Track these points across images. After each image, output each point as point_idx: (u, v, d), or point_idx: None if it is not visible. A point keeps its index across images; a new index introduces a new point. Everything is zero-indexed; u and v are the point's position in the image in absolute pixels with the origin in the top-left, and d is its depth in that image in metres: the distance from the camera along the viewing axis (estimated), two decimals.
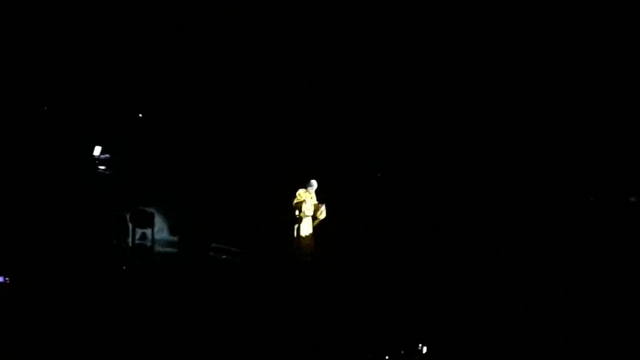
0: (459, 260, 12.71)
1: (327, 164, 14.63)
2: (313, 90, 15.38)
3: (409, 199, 14.63)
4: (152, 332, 9.56)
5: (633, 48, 13.90)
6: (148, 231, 14.21)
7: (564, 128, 14.24)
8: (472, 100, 14.80)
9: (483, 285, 11.53)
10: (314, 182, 13.57)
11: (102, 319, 9.83)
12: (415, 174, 14.86)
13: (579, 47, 14.17)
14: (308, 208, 13.46)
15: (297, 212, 13.49)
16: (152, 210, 14.44)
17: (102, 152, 15.31)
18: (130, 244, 14.04)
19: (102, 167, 15.22)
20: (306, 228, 13.51)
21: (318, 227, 13.48)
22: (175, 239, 14.78)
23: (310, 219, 13.52)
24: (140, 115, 15.74)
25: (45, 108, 15.02)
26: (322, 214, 13.47)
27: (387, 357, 9.25)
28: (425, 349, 9.20)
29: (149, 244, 14.20)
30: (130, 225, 14.10)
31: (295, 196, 13.49)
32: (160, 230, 14.64)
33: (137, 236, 14.13)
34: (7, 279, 10.99)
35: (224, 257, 14.13)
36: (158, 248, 14.27)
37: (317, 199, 13.56)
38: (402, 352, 9.26)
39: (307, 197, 13.46)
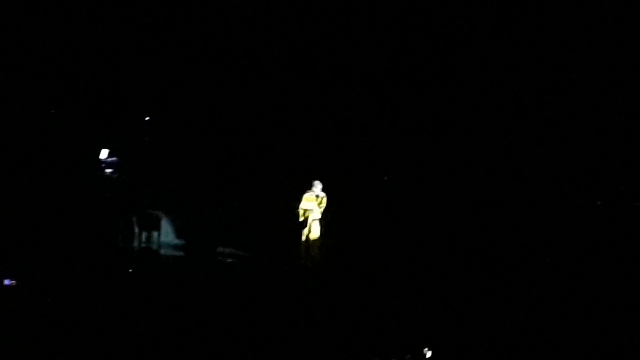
0: (466, 265, 12.69)
1: (331, 167, 14.63)
2: (317, 95, 15.39)
3: (415, 203, 14.62)
4: (158, 336, 9.56)
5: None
6: (154, 234, 14.23)
7: (568, 134, 14.21)
8: (477, 105, 14.78)
9: (488, 290, 11.50)
10: (317, 183, 13.54)
11: (108, 322, 9.84)
12: (421, 178, 14.84)
13: (586, 51, 14.14)
14: (315, 211, 13.46)
15: (304, 216, 13.49)
16: (158, 213, 14.47)
17: (108, 155, 15.35)
18: (136, 247, 14.08)
19: (109, 170, 15.26)
20: (314, 232, 13.49)
21: (324, 229, 13.48)
22: (181, 242, 14.79)
23: (317, 222, 13.51)
24: (147, 118, 15.78)
25: (53, 111, 15.07)
26: (323, 202, 13.46)
27: None
28: (429, 354, 9.19)
29: (155, 247, 14.24)
30: (136, 228, 14.13)
31: (301, 200, 13.49)
32: (166, 233, 14.66)
33: (143, 239, 14.16)
34: (13, 281, 11.02)
35: (229, 261, 14.13)
36: (164, 251, 14.29)
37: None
38: (408, 356, 9.25)
39: (313, 201, 13.45)
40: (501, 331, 9.90)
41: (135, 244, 14.09)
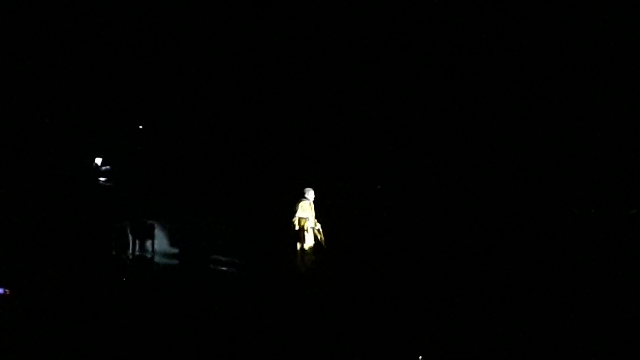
0: (460, 274, 12.71)
1: (325, 175, 14.66)
2: (310, 104, 15.45)
3: (409, 211, 14.65)
4: (152, 344, 9.55)
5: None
6: (148, 243, 14.23)
7: (566, 140, 14.28)
8: (475, 111, 14.84)
9: (481, 301, 11.52)
10: (310, 190, 13.50)
11: (103, 330, 9.83)
12: (415, 185, 14.88)
13: (586, 54, 14.20)
14: (310, 219, 13.45)
15: (298, 224, 13.46)
16: (152, 221, 14.46)
17: (103, 164, 15.36)
18: (130, 256, 14.07)
19: (103, 179, 15.27)
20: (310, 240, 13.47)
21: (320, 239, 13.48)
22: (175, 250, 14.79)
23: (312, 230, 13.50)
24: (141, 127, 15.80)
25: (47, 120, 15.07)
26: (318, 226, 13.48)
27: None
28: None
29: (149, 255, 14.23)
30: (130, 236, 14.13)
31: (296, 209, 13.44)
32: (160, 241, 14.65)
33: (137, 247, 14.15)
34: (7, 290, 10.99)
35: (223, 269, 14.13)
36: (158, 259, 14.28)
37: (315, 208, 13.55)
38: None
39: (308, 209, 13.44)
40: (496, 340, 9.91)
41: (129, 252, 14.08)
